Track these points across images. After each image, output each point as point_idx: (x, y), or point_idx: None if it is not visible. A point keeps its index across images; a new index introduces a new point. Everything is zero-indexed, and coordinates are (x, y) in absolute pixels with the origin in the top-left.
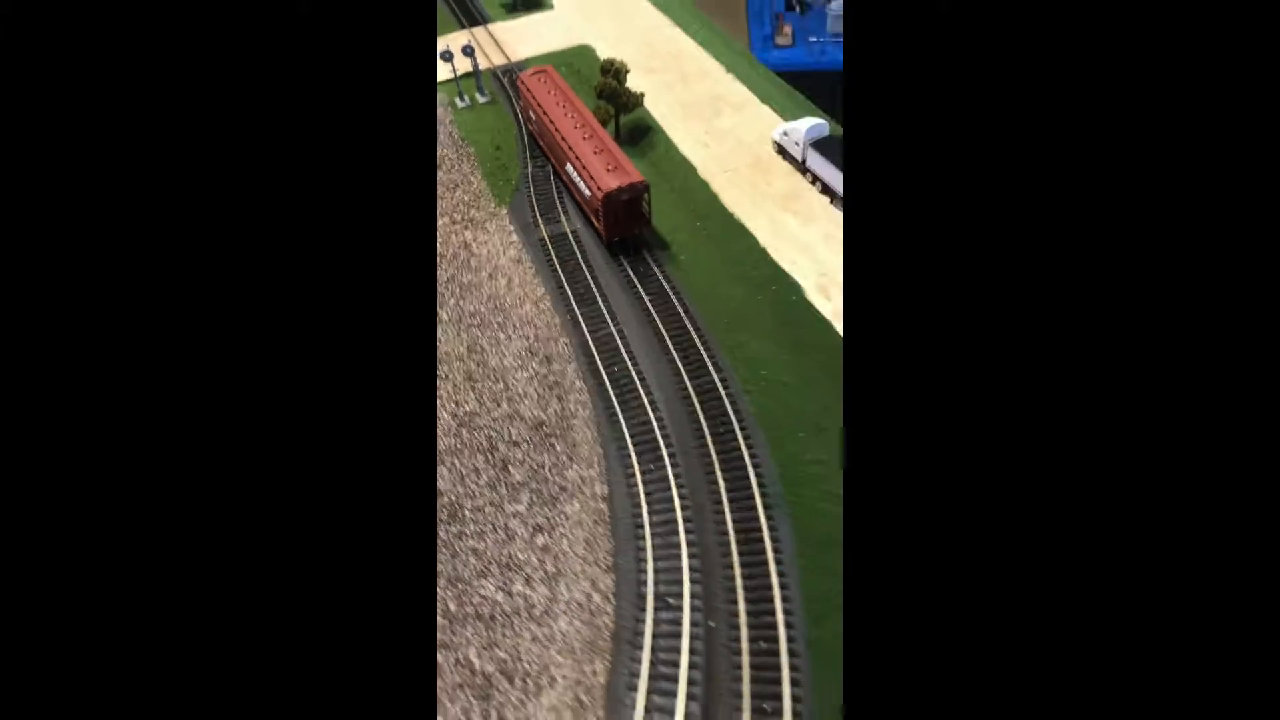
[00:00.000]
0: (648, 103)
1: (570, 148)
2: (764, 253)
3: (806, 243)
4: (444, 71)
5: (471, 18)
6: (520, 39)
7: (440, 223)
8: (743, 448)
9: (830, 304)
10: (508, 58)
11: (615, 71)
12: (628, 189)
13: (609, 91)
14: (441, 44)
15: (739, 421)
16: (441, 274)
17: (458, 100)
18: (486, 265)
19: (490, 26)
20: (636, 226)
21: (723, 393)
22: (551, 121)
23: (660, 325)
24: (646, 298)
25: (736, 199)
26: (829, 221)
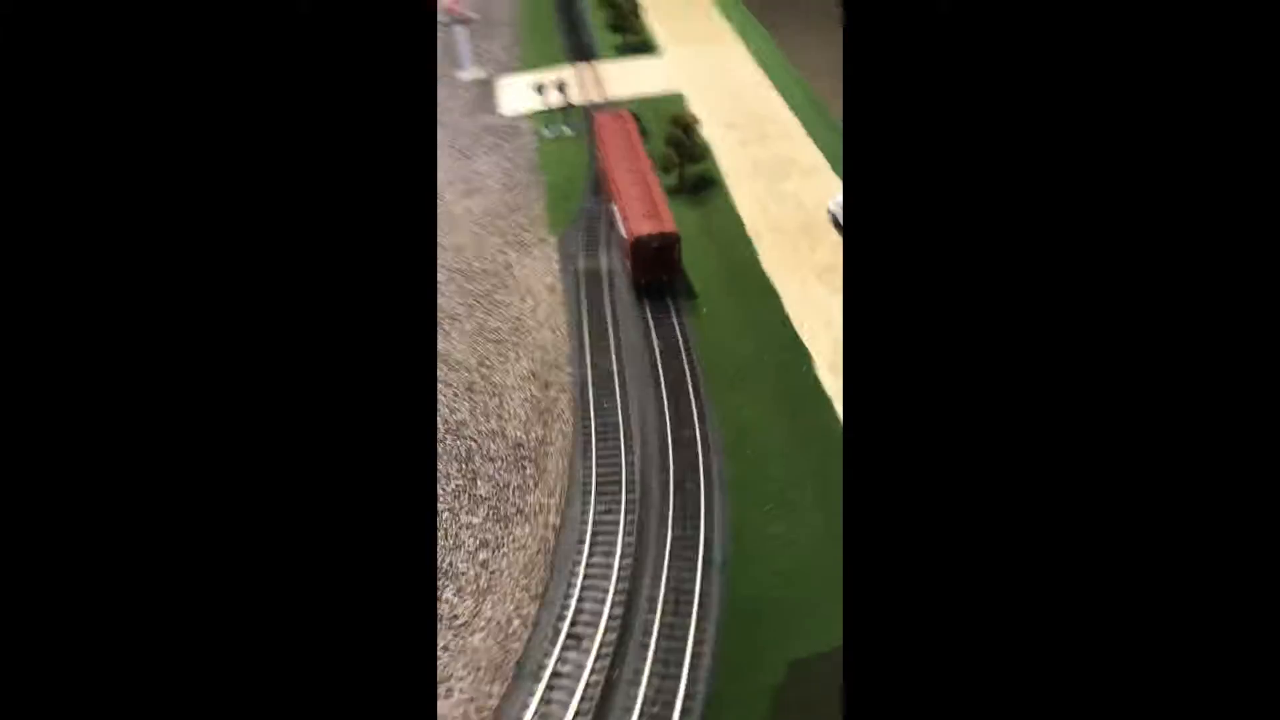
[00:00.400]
0: (719, 156)
1: (618, 189)
2: (786, 319)
3: (831, 317)
4: (537, 102)
5: (582, 53)
6: (620, 79)
7: (491, 241)
8: (704, 510)
9: (837, 382)
10: (604, 95)
11: (685, 124)
12: (658, 237)
13: (675, 140)
14: (544, 76)
15: (709, 482)
16: (478, 288)
17: (545, 130)
18: (520, 287)
19: (596, 64)
20: (665, 274)
21: (702, 450)
22: (610, 163)
23: (661, 372)
24: (656, 343)
25: (775, 261)
26: None
